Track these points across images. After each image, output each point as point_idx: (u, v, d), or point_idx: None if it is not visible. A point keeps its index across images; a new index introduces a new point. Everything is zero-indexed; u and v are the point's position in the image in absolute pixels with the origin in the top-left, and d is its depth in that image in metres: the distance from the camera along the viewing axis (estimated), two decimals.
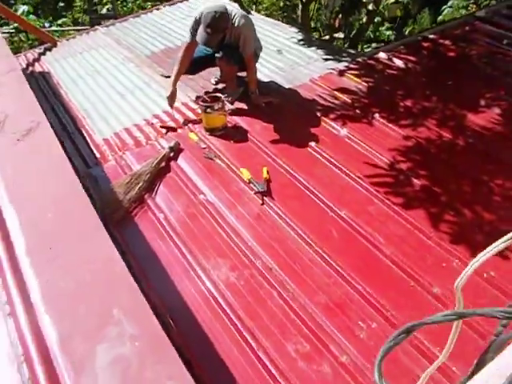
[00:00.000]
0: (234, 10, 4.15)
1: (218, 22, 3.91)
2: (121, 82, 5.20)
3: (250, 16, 4.26)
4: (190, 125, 4.14)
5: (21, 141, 2.40)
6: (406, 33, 14.36)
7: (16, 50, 8.62)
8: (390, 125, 3.92)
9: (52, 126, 2.52)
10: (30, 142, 2.37)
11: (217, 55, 4.20)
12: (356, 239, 2.94)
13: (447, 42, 5.24)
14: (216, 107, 3.92)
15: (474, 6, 12.03)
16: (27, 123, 2.51)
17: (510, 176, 3.44)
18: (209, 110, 3.92)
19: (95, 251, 1.77)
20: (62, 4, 13.28)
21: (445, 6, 12.87)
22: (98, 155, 3.98)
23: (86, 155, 3.99)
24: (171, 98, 4.20)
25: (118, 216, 3.18)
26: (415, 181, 3.37)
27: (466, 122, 3.97)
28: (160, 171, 3.58)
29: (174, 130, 4.13)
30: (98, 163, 3.87)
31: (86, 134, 4.35)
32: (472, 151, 3.67)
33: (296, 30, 6.00)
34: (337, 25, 9.28)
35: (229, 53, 4.14)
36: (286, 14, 9.37)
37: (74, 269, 1.70)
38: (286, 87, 4.57)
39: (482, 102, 4.23)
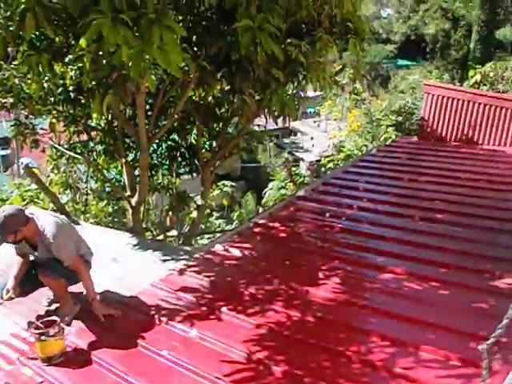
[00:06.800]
0: (46, 217, 3.90)
1: (3, 221, 3.65)
2: None
3: (71, 224, 4.10)
4: (22, 358, 3.62)
5: None
6: (235, 217, 15.24)
7: None
8: (239, 315, 3.88)
9: None
10: None
11: (37, 271, 3.88)
12: None
13: (277, 224, 5.55)
14: (51, 332, 3.52)
15: (292, 183, 13.23)
16: None
17: (363, 340, 3.52)
18: (43, 337, 3.50)
19: None
20: None
21: (266, 189, 14.05)
22: None
23: None
24: None
25: None
26: (275, 368, 3.27)
27: (310, 297, 4.09)
28: None
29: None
30: None
31: None
32: (323, 323, 3.75)
33: (130, 235, 5.97)
34: (168, 222, 9.51)
35: (46, 264, 3.84)
36: (116, 219, 9.43)
37: None
38: (128, 295, 4.35)
39: (321, 275, 4.43)
